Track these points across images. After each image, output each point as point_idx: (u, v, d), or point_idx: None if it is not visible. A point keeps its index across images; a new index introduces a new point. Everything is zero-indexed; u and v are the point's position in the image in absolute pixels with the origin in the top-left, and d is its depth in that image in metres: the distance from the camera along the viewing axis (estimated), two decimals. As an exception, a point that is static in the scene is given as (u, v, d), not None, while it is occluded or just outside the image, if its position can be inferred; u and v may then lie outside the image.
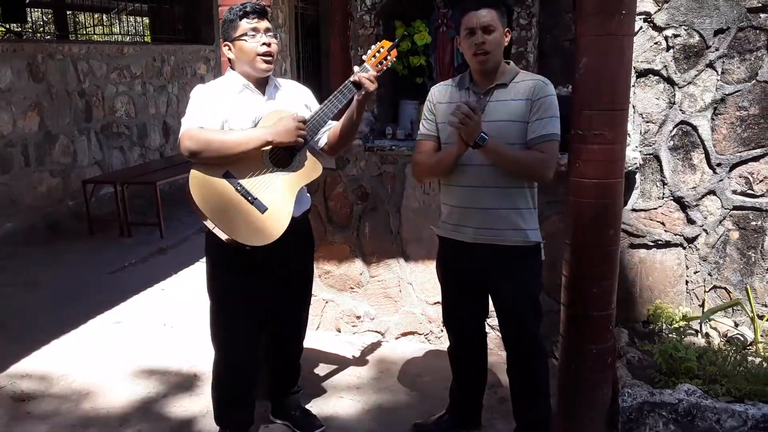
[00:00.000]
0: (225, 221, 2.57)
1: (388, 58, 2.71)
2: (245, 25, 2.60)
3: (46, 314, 4.56)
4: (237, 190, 2.59)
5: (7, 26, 8.77)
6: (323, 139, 2.83)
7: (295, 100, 2.81)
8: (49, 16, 10.00)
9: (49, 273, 5.44)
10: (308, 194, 2.94)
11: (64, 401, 3.42)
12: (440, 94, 2.77)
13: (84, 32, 9.78)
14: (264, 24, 2.63)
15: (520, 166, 2.58)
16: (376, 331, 4.08)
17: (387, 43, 2.73)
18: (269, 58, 2.64)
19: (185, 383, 3.59)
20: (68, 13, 8.88)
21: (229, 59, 2.71)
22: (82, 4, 9.23)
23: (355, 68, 2.71)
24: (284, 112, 2.67)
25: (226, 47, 2.68)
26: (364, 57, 2.72)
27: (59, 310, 4.63)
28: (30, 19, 9.57)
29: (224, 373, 2.92)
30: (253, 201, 2.60)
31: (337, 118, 2.79)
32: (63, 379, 3.65)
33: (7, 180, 6.26)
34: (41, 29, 10.48)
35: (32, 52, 6.51)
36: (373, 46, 2.73)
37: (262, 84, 2.73)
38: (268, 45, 2.63)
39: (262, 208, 2.61)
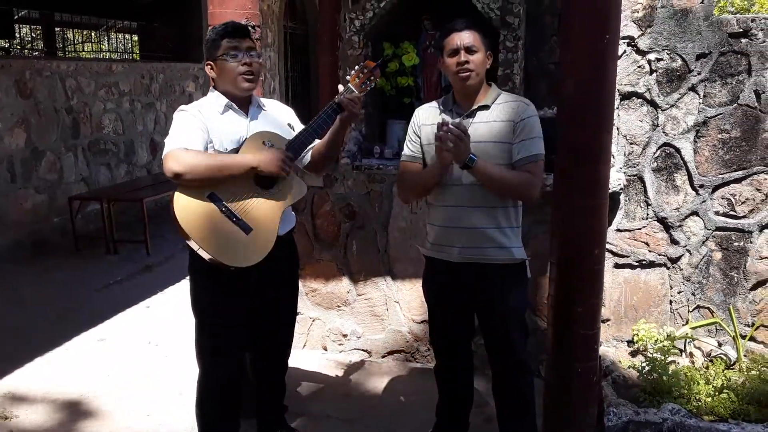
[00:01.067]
0: (209, 242, 2.55)
1: (372, 78, 2.74)
2: (226, 44, 2.61)
3: (30, 331, 4.52)
4: (222, 211, 2.57)
5: (-4, 42, 8.78)
6: (307, 157, 2.85)
7: (279, 119, 2.82)
8: (38, 32, 10.01)
9: (35, 290, 5.39)
10: (293, 212, 2.95)
11: (49, 419, 3.39)
12: (425, 116, 2.79)
13: (72, 49, 9.78)
14: (246, 43, 2.64)
15: (507, 186, 2.61)
16: (363, 350, 4.07)
17: (371, 64, 2.76)
18: (251, 77, 2.64)
19: (170, 401, 3.57)
20: (57, 29, 8.89)
21: (212, 79, 2.71)
22: (71, 21, 9.24)
23: (340, 88, 2.73)
24: (268, 134, 2.67)
25: (209, 66, 2.68)
26: (348, 77, 2.74)
27: (44, 327, 4.60)
28: (18, 36, 9.56)
29: (209, 391, 2.90)
30: (238, 222, 2.58)
31: (321, 138, 2.81)
32: (47, 396, 3.61)
33: (-7, 196, 6.23)
34: (29, 45, 10.46)
35: (20, 69, 6.49)
36: (356, 67, 2.76)
37: (245, 104, 2.73)
38: (249, 64, 2.63)
39: (247, 230, 2.59)
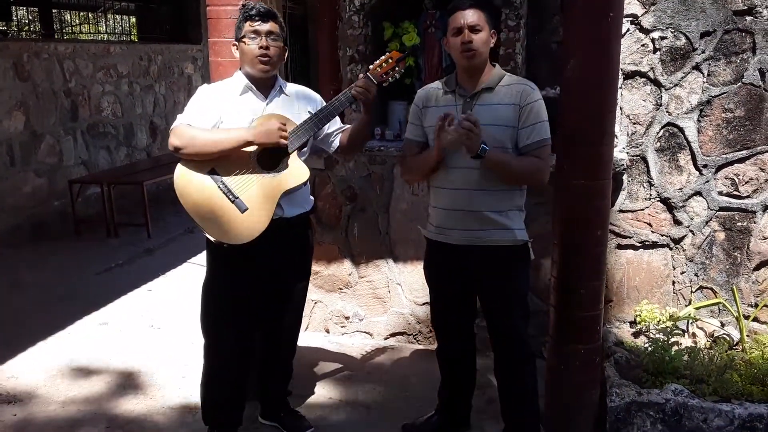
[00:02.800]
0: (204, 217, 2.64)
1: (396, 68, 2.77)
2: (248, 27, 2.67)
3: (31, 316, 4.52)
4: (219, 187, 2.64)
5: (-7, 25, 8.69)
6: (335, 141, 2.92)
7: (298, 106, 2.82)
8: (35, 14, 9.92)
9: (35, 274, 5.39)
10: (311, 197, 2.96)
11: (51, 403, 3.40)
12: (427, 97, 2.77)
13: (70, 31, 9.69)
14: (266, 27, 2.67)
15: (517, 173, 2.60)
16: (365, 332, 4.08)
17: (396, 54, 2.77)
18: (266, 59, 2.67)
19: (173, 384, 3.57)
20: (54, 11, 8.79)
21: (239, 59, 2.77)
22: (68, 2, 9.15)
23: (360, 75, 2.76)
24: (276, 116, 2.68)
25: (234, 47, 2.77)
26: (370, 66, 2.78)
27: (45, 311, 4.60)
28: (15, 18, 9.48)
29: (214, 371, 2.91)
30: (234, 200, 2.63)
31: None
32: (50, 380, 3.62)
33: (-8, 180, 6.21)
34: (26, 28, 10.38)
35: (18, 51, 6.44)
36: (382, 57, 2.78)
37: (266, 87, 2.77)
38: (266, 48, 2.66)
39: (243, 208, 2.63)
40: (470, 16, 2.56)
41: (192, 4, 9.25)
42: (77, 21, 10.32)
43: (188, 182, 2.64)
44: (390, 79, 2.77)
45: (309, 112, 2.81)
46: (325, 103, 2.88)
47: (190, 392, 3.42)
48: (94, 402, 3.41)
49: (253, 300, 2.84)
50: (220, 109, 2.67)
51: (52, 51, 6.90)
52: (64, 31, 9.32)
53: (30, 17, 10.48)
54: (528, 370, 2.82)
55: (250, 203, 2.64)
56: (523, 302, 2.79)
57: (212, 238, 2.67)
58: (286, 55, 2.80)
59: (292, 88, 2.88)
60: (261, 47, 2.66)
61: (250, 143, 2.61)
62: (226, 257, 2.73)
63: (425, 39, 3.76)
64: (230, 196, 2.63)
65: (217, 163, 2.64)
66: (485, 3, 2.68)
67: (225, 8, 3.02)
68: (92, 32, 10.43)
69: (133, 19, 10.54)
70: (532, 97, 2.60)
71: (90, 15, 10.60)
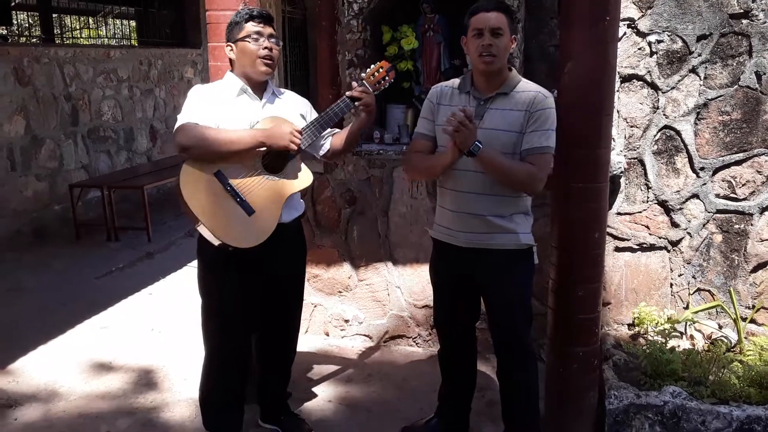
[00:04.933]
0: (211, 218, 2.58)
1: (387, 78, 2.80)
2: (250, 27, 2.65)
3: (32, 320, 4.54)
4: (226, 189, 2.60)
5: (-7, 29, 8.71)
6: (326, 145, 2.91)
7: (292, 109, 2.84)
8: (35, 18, 9.94)
9: (36, 278, 5.41)
10: (302, 200, 2.96)
11: (52, 407, 3.41)
12: (442, 95, 2.74)
13: (70, 35, 9.72)
14: (268, 29, 2.69)
15: (509, 176, 2.57)
16: (365, 335, 4.09)
17: (385, 64, 2.81)
18: (270, 62, 2.68)
19: (173, 388, 3.58)
20: (54, 16, 8.81)
21: (230, 60, 2.75)
22: (68, 7, 9.17)
23: (354, 84, 2.79)
24: (280, 119, 2.70)
25: (228, 47, 2.73)
26: (363, 75, 2.81)
27: (46, 315, 4.61)
28: (16, 22, 9.50)
29: (214, 375, 2.92)
30: (241, 202, 2.61)
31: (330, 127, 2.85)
32: (51, 384, 3.63)
33: (-7, 184, 6.23)
34: (27, 32, 10.40)
35: (18, 56, 6.47)
36: (372, 66, 2.81)
37: (260, 89, 2.76)
38: (270, 49, 2.67)
39: (250, 211, 2.62)
40: (494, 19, 2.52)
41: (192, 8, 9.28)
42: (77, 25, 10.35)
43: (195, 183, 2.59)
44: (381, 87, 2.81)
45: (301, 115, 2.83)
46: (311, 108, 2.92)
47: (192, 396, 3.44)
48: (94, 406, 3.42)
49: (253, 304, 2.85)
50: (218, 111, 2.65)
51: (53, 56, 6.93)
52: (64, 35, 9.34)
53: (30, 22, 10.50)
54: (530, 373, 2.82)
55: (257, 206, 2.63)
56: (526, 305, 2.79)
57: (216, 241, 2.61)
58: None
59: (281, 91, 2.89)
60: (266, 48, 2.66)
61: (262, 144, 2.61)
62: (226, 262, 2.71)
63: (424, 43, 3.78)
64: (237, 199, 2.61)
65: (224, 164, 2.61)
66: (508, 7, 2.67)
67: (225, 13, 3.03)
68: (92, 37, 10.46)
69: (133, 24, 10.56)
70: (543, 104, 2.57)
71: (90, 19, 10.63)
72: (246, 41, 2.66)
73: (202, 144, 2.55)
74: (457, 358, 3.01)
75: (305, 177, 2.78)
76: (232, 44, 2.71)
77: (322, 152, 2.93)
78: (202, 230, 2.62)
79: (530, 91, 2.62)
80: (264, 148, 2.65)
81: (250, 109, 2.71)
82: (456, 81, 2.77)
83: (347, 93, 2.76)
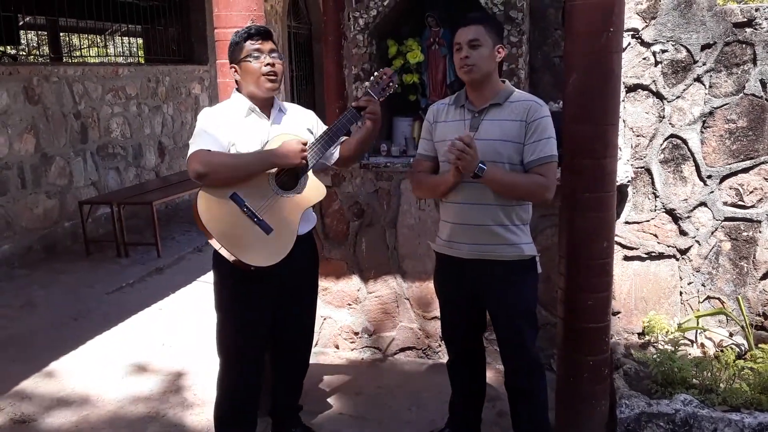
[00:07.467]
0: (231, 241, 2.60)
1: (391, 84, 2.83)
2: (249, 46, 2.67)
3: (44, 336, 4.57)
4: (244, 211, 2.62)
5: (2, 49, 8.81)
6: (335, 154, 2.93)
7: (300, 123, 2.86)
8: (44, 38, 10.05)
9: (47, 294, 5.44)
10: (313, 213, 2.99)
11: (65, 423, 3.43)
12: (438, 113, 2.81)
13: (78, 54, 9.82)
14: (268, 45, 2.69)
15: (520, 191, 2.61)
16: (375, 347, 4.10)
17: (388, 70, 2.86)
18: (274, 77, 2.69)
19: (185, 403, 3.60)
20: (62, 35, 8.93)
21: (236, 81, 2.77)
22: (76, 26, 9.28)
23: (359, 94, 2.80)
24: (289, 135, 2.72)
25: (233, 69, 2.74)
26: (366, 84, 2.85)
27: (58, 331, 4.64)
28: (25, 42, 9.62)
29: (228, 387, 2.93)
30: (259, 222, 2.63)
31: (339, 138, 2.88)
32: (63, 400, 3.65)
33: (4, 202, 6.27)
34: (36, 51, 10.53)
35: (27, 75, 6.54)
36: (375, 74, 2.85)
37: (267, 107, 2.78)
38: (272, 65, 2.68)
39: (268, 229, 2.64)
40: (470, 32, 2.59)
41: (198, 25, 9.36)
42: (85, 44, 10.46)
43: (213, 208, 2.60)
44: (386, 94, 2.84)
45: (308, 129, 2.86)
46: (317, 119, 2.94)
47: (202, 409, 3.45)
48: (106, 421, 3.43)
49: (268, 315, 2.87)
50: (230, 133, 2.67)
51: (62, 74, 7.01)
52: (72, 54, 9.45)
53: (39, 41, 10.62)
54: (538, 382, 2.83)
55: (274, 224, 2.65)
56: (532, 315, 2.80)
57: (231, 257, 2.61)
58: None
59: (287, 106, 2.91)
60: (268, 64, 2.67)
61: (274, 165, 2.64)
62: (243, 278, 2.73)
63: (429, 56, 3.82)
64: (255, 219, 2.62)
65: (238, 186, 2.63)
66: (487, 18, 2.72)
67: (232, 30, 3.07)
68: (100, 55, 10.57)
69: (140, 41, 10.67)
70: (539, 113, 2.61)
71: (98, 38, 10.74)
72: (247, 61, 2.67)
73: (217, 170, 2.58)
74: (466, 368, 3.01)
75: (319, 191, 2.80)
76: (235, 65, 2.72)
77: (332, 161, 2.96)
78: (215, 244, 2.65)
79: (524, 100, 2.66)
80: (276, 168, 2.68)
81: (259, 129, 2.74)
82: (451, 97, 2.83)
83: (353, 103, 2.80)
